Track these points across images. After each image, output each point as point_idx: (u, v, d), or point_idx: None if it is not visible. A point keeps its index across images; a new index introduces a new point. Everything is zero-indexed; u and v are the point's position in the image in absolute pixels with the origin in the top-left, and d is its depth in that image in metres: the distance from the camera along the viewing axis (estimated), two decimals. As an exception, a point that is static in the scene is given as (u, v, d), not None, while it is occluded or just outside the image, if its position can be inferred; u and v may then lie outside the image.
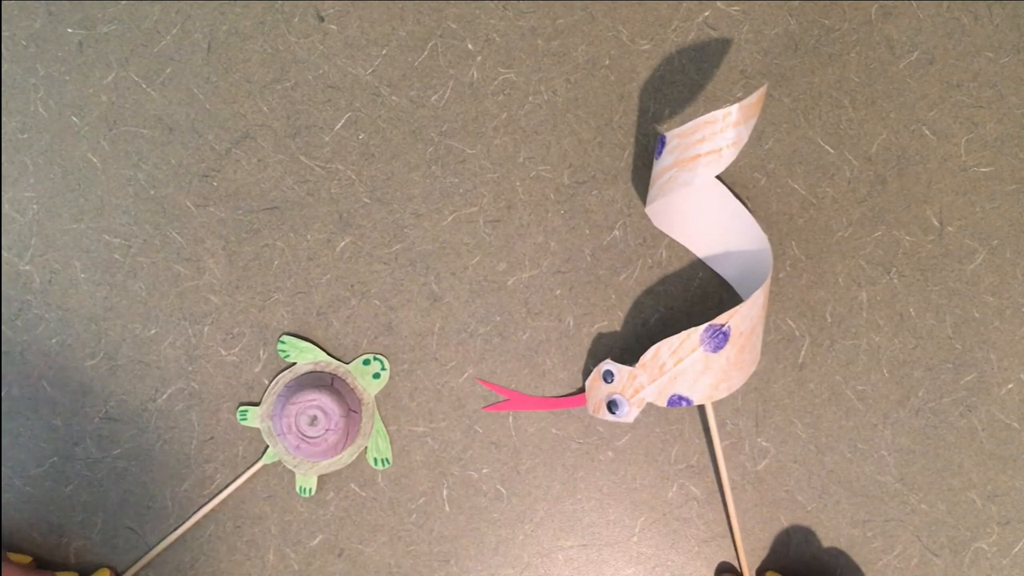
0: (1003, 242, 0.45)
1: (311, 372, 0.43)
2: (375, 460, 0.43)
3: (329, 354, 0.44)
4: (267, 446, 0.43)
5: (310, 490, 0.43)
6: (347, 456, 0.43)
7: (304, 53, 0.45)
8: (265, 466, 0.43)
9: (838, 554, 0.44)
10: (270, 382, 0.44)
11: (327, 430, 0.41)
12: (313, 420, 0.40)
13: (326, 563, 0.44)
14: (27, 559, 0.42)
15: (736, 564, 0.43)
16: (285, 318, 0.44)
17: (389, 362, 0.44)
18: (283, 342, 0.43)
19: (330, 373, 0.43)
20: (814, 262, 0.45)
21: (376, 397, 0.44)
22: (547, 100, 0.45)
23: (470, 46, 0.45)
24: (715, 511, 0.44)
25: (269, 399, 0.43)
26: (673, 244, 0.45)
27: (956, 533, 0.44)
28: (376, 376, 0.43)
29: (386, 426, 0.44)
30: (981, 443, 0.44)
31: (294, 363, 0.44)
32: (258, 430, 0.44)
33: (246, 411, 0.43)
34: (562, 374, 0.44)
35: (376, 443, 0.43)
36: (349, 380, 0.43)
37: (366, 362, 0.43)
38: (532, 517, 0.44)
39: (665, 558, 0.44)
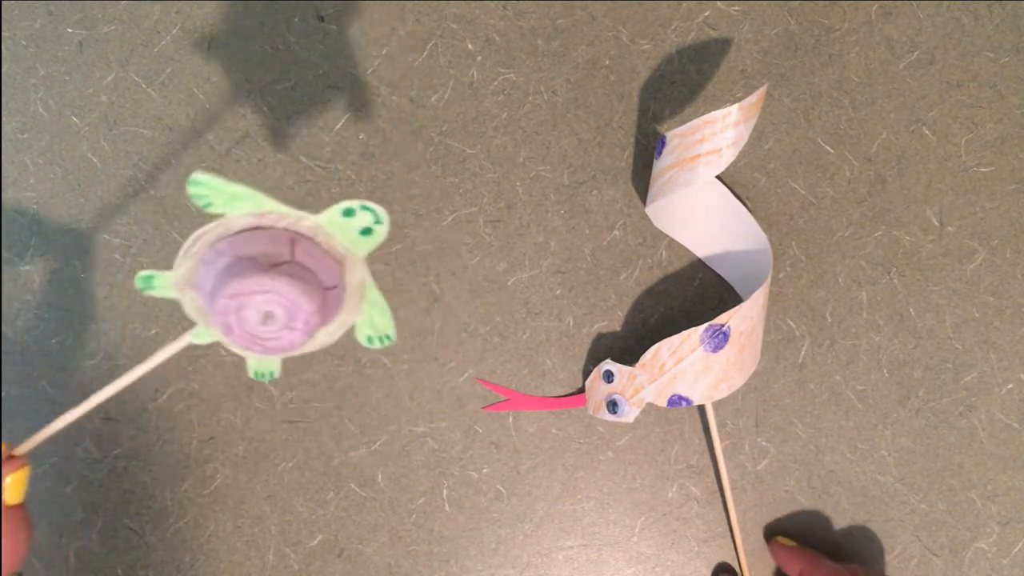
0: (1003, 242, 0.45)
1: (254, 229, 0.28)
2: (369, 339, 0.32)
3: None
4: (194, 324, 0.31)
5: (271, 374, 0.33)
6: (325, 337, 0.31)
7: (304, 53, 0.45)
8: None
9: (838, 554, 0.44)
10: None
11: (291, 329, 0.28)
12: (267, 318, 0.27)
13: (326, 563, 0.44)
14: None
15: (736, 564, 0.43)
16: (285, 318, 0.44)
17: (386, 215, 0.29)
18: (197, 183, 0.27)
19: (288, 231, 0.28)
20: (814, 262, 0.45)
21: (368, 261, 0.32)
22: (547, 100, 0.45)
23: (470, 46, 0.45)
24: (715, 511, 0.44)
25: (185, 263, 0.29)
26: (673, 244, 0.45)
27: (956, 533, 0.44)
28: (366, 232, 0.29)
29: (386, 300, 0.33)
30: (981, 443, 0.44)
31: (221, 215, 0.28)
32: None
33: (151, 277, 0.30)
34: (562, 374, 0.44)
35: (371, 319, 0.32)
36: (322, 240, 0.29)
37: (348, 212, 0.28)
38: (532, 517, 0.44)
39: (665, 558, 0.44)
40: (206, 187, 0.27)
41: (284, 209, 0.28)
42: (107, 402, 0.44)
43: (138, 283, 0.30)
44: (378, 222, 0.29)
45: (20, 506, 0.31)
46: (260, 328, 0.27)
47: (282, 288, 0.27)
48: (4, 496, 0.30)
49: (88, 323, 0.44)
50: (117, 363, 0.44)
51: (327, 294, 0.29)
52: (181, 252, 0.29)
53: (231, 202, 0.28)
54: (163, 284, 0.30)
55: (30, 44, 0.45)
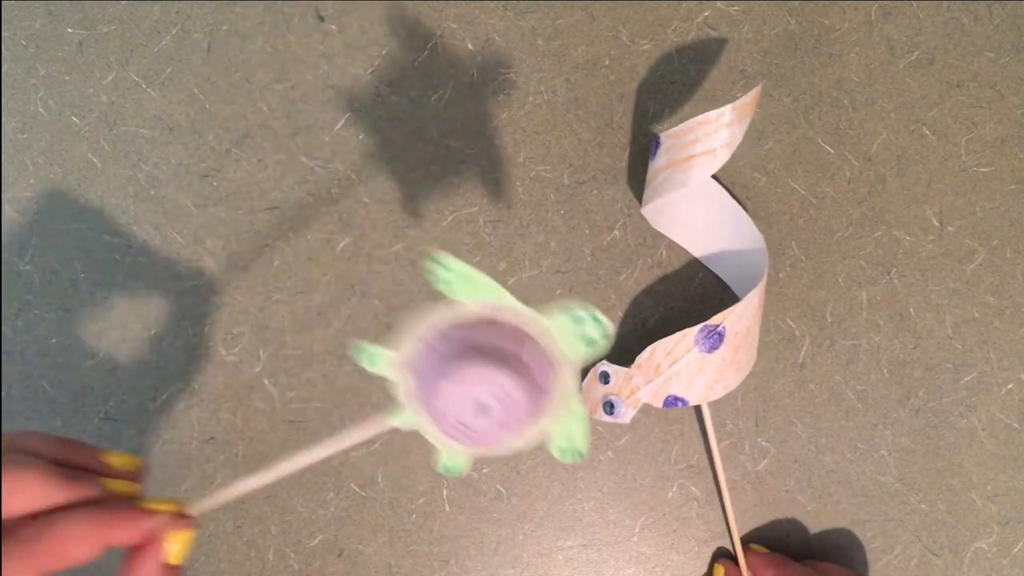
0: (1003, 242, 0.45)
1: (488, 323, 0.28)
2: (562, 451, 0.31)
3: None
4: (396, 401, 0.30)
5: (457, 470, 0.31)
6: (522, 442, 0.30)
7: (304, 53, 0.45)
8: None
9: (838, 554, 0.44)
10: (419, 321, 0.29)
11: (502, 425, 0.28)
12: (484, 410, 0.27)
13: (326, 563, 0.44)
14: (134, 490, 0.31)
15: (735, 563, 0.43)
16: (285, 318, 0.44)
17: (613, 329, 0.28)
18: (444, 266, 0.28)
19: (518, 329, 0.28)
20: (814, 262, 0.45)
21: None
22: (547, 100, 0.45)
23: (470, 46, 0.45)
24: (715, 511, 0.44)
25: (411, 346, 0.28)
26: (673, 244, 0.45)
27: (956, 533, 0.44)
28: (590, 342, 0.29)
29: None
30: (981, 443, 0.44)
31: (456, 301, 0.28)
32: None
33: (373, 354, 0.29)
34: (562, 374, 0.44)
35: (569, 430, 0.30)
36: (546, 343, 0.28)
37: (578, 321, 0.28)
38: (532, 517, 0.44)
39: (665, 558, 0.44)
40: (453, 272, 0.28)
41: (518, 306, 0.28)
42: (107, 402, 0.44)
43: (356, 353, 0.29)
44: (604, 335, 0.28)
45: (178, 569, 0.29)
46: (473, 420, 0.28)
47: (506, 383, 0.27)
48: (166, 555, 0.28)
49: (88, 323, 0.44)
50: (117, 363, 0.44)
51: (540, 397, 0.29)
52: (409, 334, 0.29)
53: (471, 290, 0.28)
54: (382, 361, 0.30)
55: (30, 44, 0.45)
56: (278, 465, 0.30)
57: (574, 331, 0.28)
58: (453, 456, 0.31)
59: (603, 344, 0.28)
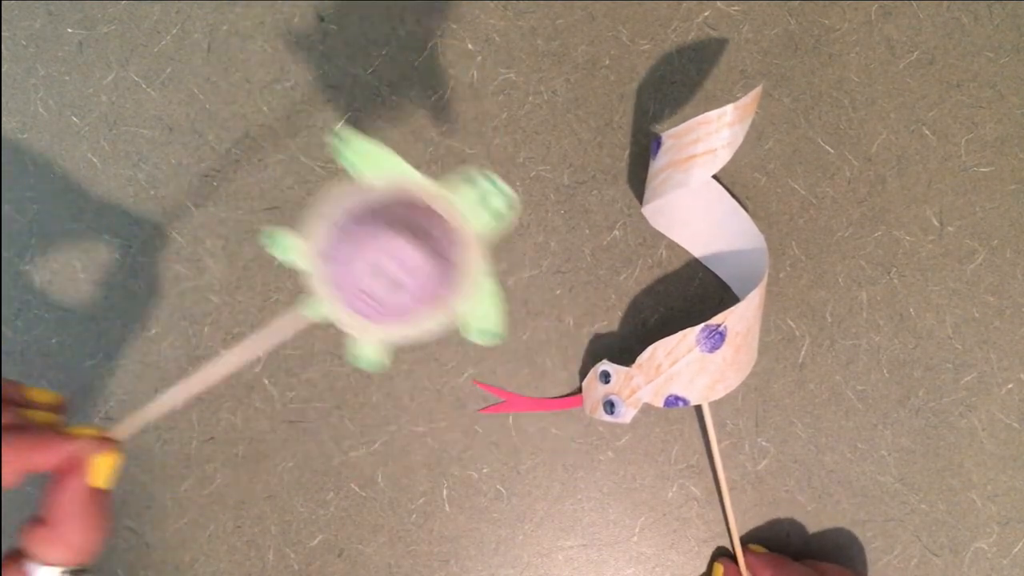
0: (1003, 242, 0.45)
1: (393, 198, 0.28)
2: (479, 333, 0.30)
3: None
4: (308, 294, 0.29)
5: (371, 360, 0.30)
6: (433, 322, 0.29)
7: (304, 53, 0.45)
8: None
9: (838, 554, 0.44)
10: (322, 204, 0.28)
11: (414, 298, 0.28)
12: (395, 281, 0.27)
13: (326, 563, 0.44)
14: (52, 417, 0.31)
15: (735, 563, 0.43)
16: (285, 318, 0.44)
17: (517, 201, 0.27)
18: (342, 139, 0.27)
19: (423, 201, 0.28)
20: (814, 262, 0.45)
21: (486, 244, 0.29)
22: (547, 100, 0.45)
23: (470, 46, 0.45)
24: (715, 511, 0.44)
25: (322, 228, 0.28)
26: (673, 244, 0.45)
27: (956, 533, 0.44)
28: (495, 215, 0.28)
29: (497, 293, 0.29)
30: (981, 443, 0.44)
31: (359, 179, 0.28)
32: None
33: (284, 242, 0.28)
34: (562, 374, 0.44)
35: (484, 309, 0.30)
36: (452, 216, 0.28)
37: (482, 193, 0.28)
38: (532, 517, 0.44)
39: (665, 558, 0.44)
40: (351, 146, 0.27)
41: (422, 180, 0.27)
42: (107, 402, 0.44)
43: (264, 238, 0.29)
44: (510, 205, 0.28)
45: (105, 493, 0.29)
46: (384, 294, 0.28)
47: (415, 255, 0.27)
48: (89, 477, 0.28)
49: (88, 323, 0.44)
50: (117, 363, 0.44)
51: (450, 272, 0.28)
52: (316, 216, 0.28)
53: (375, 167, 0.27)
54: (287, 245, 0.28)
55: (30, 44, 0.45)
56: (198, 375, 0.29)
57: (479, 203, 0.28)
58: (366, 342, 0.29)
59: (508, 217, 0.28)
